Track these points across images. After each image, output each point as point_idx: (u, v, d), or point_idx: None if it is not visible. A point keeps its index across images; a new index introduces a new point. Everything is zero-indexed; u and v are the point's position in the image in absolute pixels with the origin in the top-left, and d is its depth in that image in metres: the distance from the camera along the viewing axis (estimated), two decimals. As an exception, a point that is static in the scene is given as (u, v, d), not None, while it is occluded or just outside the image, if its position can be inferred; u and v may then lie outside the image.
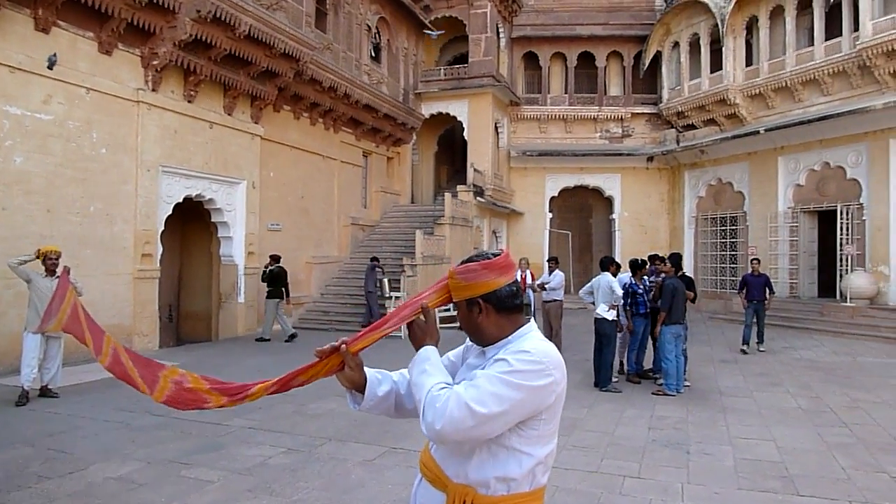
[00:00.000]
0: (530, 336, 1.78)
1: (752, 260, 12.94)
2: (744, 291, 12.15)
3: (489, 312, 1.79)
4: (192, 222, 13.92)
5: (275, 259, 13.07)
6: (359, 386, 1.92)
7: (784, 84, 17.72)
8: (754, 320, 11.95)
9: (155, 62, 11.22)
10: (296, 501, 4.47)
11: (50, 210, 9.72)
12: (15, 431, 6.11)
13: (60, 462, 5.21)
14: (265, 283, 12.99)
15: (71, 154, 10.06)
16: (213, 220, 13.50)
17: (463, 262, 1.83)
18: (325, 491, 4.68)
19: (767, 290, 12.02)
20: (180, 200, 12.23)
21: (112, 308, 10.62)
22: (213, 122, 12.83)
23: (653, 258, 9.71)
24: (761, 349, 11.81)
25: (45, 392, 7.51)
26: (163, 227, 11.77)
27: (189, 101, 12.23)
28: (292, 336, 12.78)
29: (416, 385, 1.74)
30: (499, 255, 1.82)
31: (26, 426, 6.33)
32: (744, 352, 11.54)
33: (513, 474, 1.70)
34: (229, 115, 13.31)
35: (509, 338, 1.79)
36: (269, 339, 12.71)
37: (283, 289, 13.03)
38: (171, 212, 11.98)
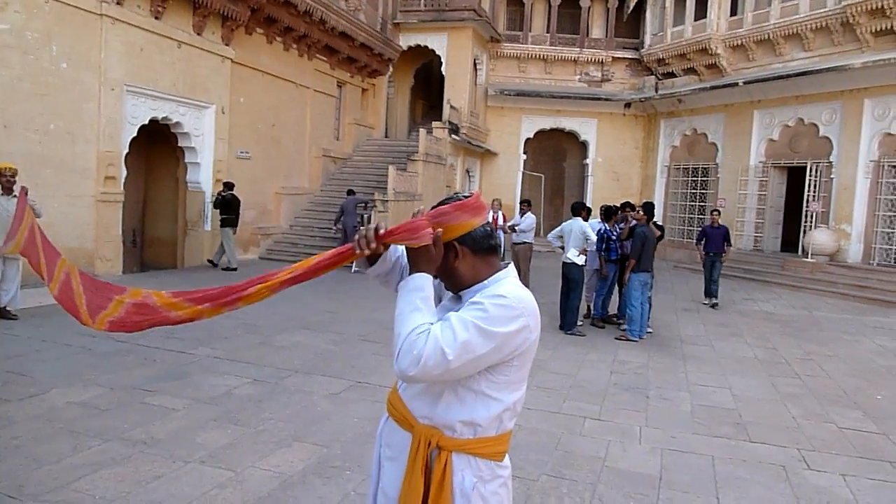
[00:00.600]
0: (507, 281, 1.74)
1: (712, 211, 12.43)
2: (702, 243, 11.86)
3: (465, 255, 1.74)
4: (157, 146, 13.48)
5: (228, 186, 12.87)
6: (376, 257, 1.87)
7: (767, 36, 17.57)
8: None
9: (120, -27, 10.60)
10: (261, 431, 4.49)
11: (6, 126, 9.27)
12: (-28, 352, 6.00)
13: (20, 385, 5.13)
14: (217, 211, 12.84)
15: (29, 67, 9.55)
16: (179, 144, 13.09)
17: (434, 207, 1.76)
18: (290, 422, 4.71)
19: (725, 243, 11.62)
20: (146, 122, 11.80)
21: (73, 231, 10.34)
22: (182, 41, 12.27)
23: (625, 206, 9.74)
24: (713, 304, 11.52)
25: (3, 314, 7.35)
26: (127, 150, 11.37)
27: (156, 18, 11.64)
28: (233, 269, 12.66)
29: (402, 316, 1.64)
30: (470, 196, 1.75)
31: (-16, 347, 6.20)
32: (713, 306, 11.42)
33: (479, 419, 1.69)
34: (199, 35, 12.72)
35: (485, 282, 1.75)
36: (236, 269, 12.60)
37: (236, 216, 12.91)
38: (136, 134, 11.56)
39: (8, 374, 5.40)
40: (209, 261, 13.09)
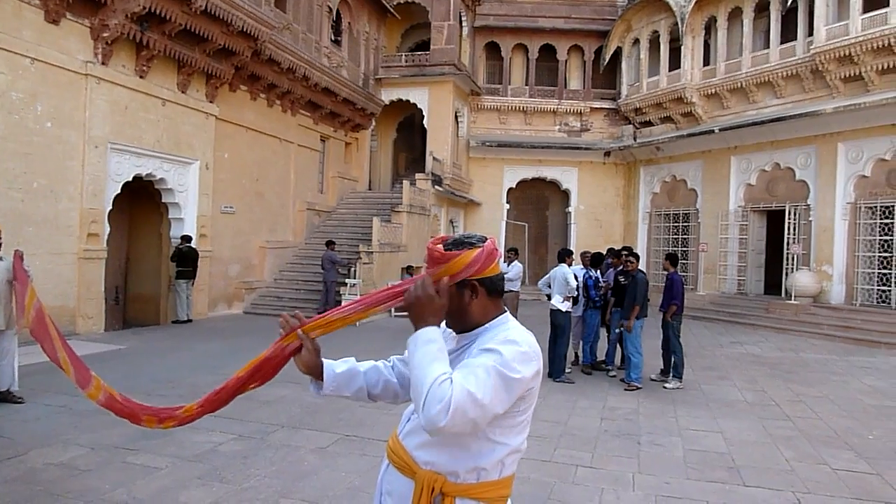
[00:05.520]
0: (512, 325, 1.76)
1: (622, 252, 9.36)
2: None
3: (481, 295, 1.75)
4: (141, 202, 13.48)
5: (186, 239, 12.91)
6: (315, 371, 1.86)
7: (739, 85, 18.11)
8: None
9: (105, 34, 10.76)
10: (246, 489, 4.37)
11: (-11, 184, 9.27)
12: (-53, 415, 5.82)
13: (-4, 447, 4.98)
14: (174, 263, 12.83)
15: (13, 127, 9.59)
16: (163, 200, 13.09)
17: (452, 244, 1.76)
18: (277, 478, 4.59)
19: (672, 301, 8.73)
20: (130, 179, 11.82)
21: (55, 289, 10.20)
22: (167, 99, 12.42)
23: (619, 252, 9.75)
24: (668, 385, 8.46)
25: (6, 397, 6.36)
26: (111, 207, 11.35)
27: (141, 77, 11.79)
28: (188, 321, 12.84)
29: (421, 368, 1.58)
30: (486, 240, 1.79)
31: (-40, 410, 6.03)
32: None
33: (484, 464, 1.68)
34: (183, 93, 12.89)
35: (487, 325, 1.77)
36: (188, 320, 12.77)
37: (193, 269, 12.93)
38: (119, 191, 11.56)
39: (-16, 436, 5.25)
40: (188, 319, 12.95)
